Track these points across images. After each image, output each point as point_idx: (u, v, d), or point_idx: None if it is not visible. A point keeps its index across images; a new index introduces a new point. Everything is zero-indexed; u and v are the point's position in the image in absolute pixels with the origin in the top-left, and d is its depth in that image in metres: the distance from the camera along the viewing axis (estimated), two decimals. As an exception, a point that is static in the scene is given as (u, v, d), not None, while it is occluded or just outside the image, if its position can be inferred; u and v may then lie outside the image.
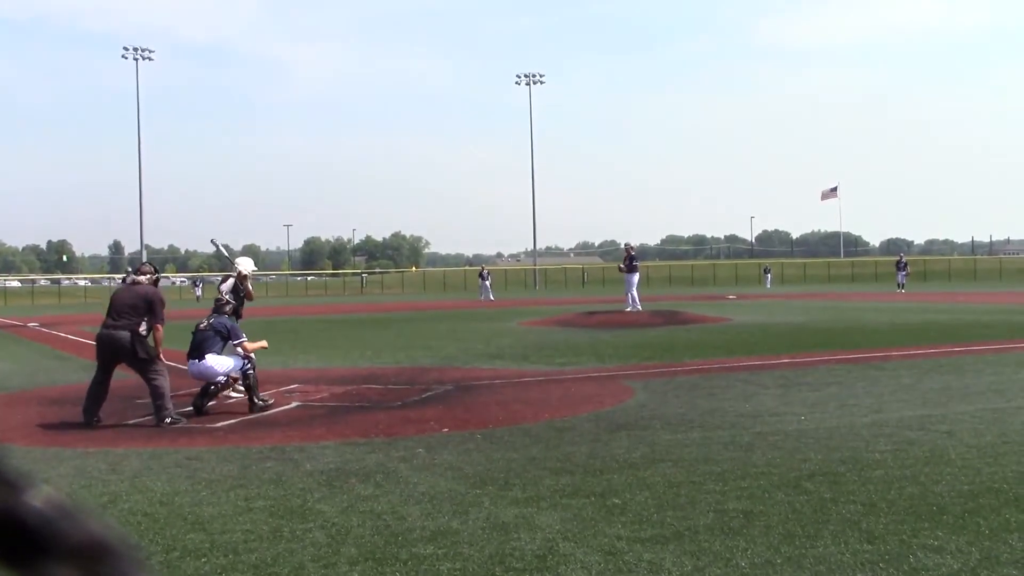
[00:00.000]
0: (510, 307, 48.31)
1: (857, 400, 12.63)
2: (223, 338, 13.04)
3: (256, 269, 15.52)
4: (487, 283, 64.56)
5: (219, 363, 12.91)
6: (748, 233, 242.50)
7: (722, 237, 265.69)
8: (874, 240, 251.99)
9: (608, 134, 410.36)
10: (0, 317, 50.67)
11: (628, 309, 33.97)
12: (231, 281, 14.61)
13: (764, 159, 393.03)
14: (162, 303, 12.48)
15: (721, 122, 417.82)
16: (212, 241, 18.54)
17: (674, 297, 55.90)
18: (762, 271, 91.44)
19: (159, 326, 12.35)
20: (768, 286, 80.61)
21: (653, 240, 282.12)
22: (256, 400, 13.01)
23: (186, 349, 13.18)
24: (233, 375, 13.01)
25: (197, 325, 13.26)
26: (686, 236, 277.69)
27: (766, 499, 7.35)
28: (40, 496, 0.85)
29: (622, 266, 35.76)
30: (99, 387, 12.27)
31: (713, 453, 9.23)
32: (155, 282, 12.87)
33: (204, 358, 12.84)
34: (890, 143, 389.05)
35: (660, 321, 31.13)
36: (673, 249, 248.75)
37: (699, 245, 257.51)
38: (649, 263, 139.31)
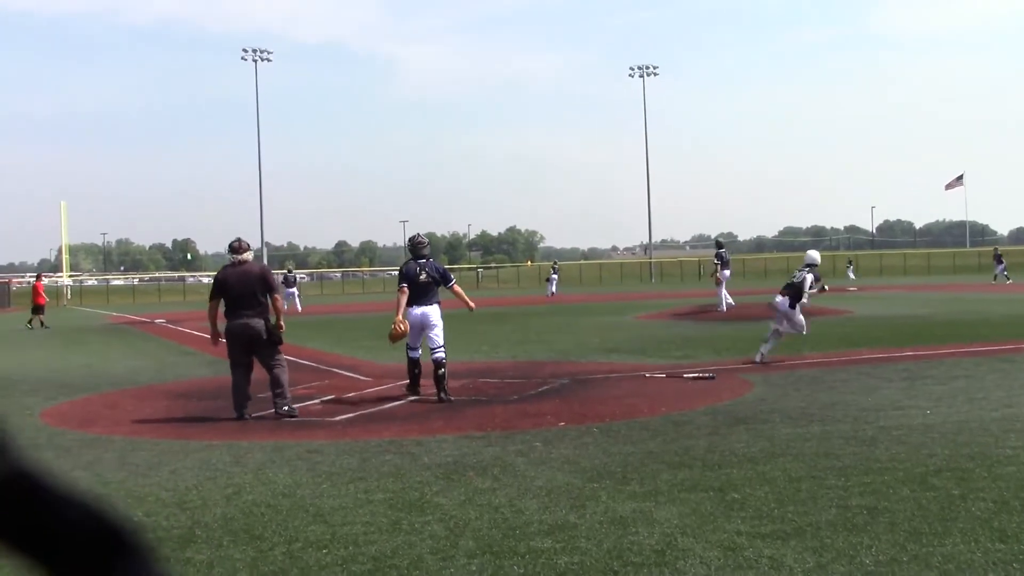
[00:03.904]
0: (626, 301, 48.12)
1: (986, 394, 12.25)
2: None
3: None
4: (555, 277, 63.97)
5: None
6: (869, 223, 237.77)
7: (842, 228, 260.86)
8: (1002, 229, 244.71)
9: (723, 125, 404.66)
10: (129, 314, 52.29)
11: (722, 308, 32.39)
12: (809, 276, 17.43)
13: (885, 148, 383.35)
14: (272, 275, 12.82)
15: (839, 111, 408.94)
16: None
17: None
18: (846, 263, 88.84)
19: (278, 297, 12.65)
20: (851, 277, 78.32)
21: (771, 232, 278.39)
22: (443, 394, 13.39)
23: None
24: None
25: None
26: (804, 227, 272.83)
27: (891, 495, 7.17)
28: (58, 488, 0.84)
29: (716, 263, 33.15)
30: (244, 379, 12.37)
31: (834, 448, 9.05)
32: None
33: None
34: (1019, 128, 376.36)
35: (778, 314, 30.53)
36: (791, 241, 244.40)
37: (818, 236, 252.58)
38: (767, 255, 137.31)
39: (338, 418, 12.12)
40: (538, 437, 10.18)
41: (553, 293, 60.67)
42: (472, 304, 14.54)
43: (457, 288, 14.36)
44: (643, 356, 18.80)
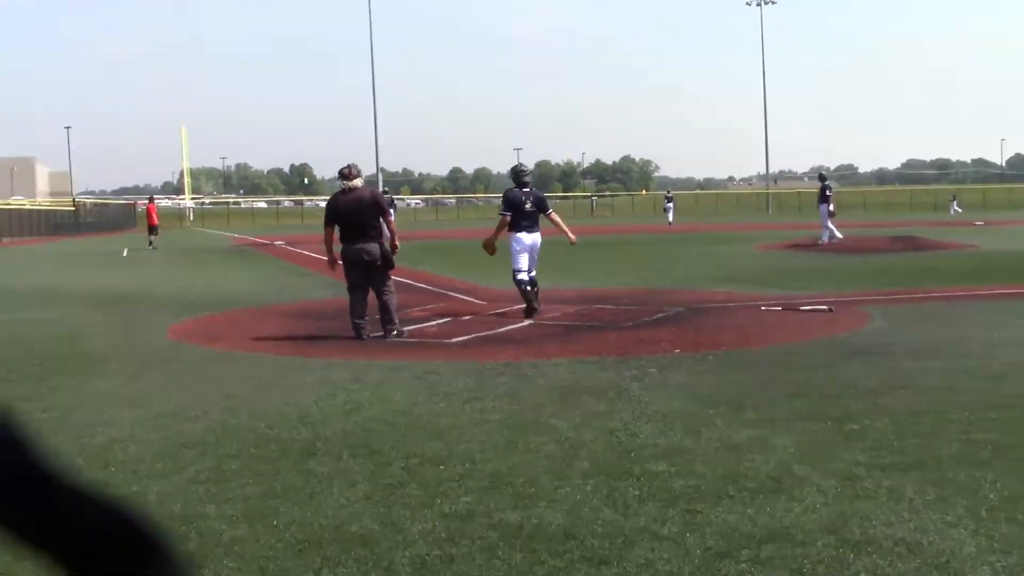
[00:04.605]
0: (742, 231, 47.52)
1: (1119, 332, 11.82)
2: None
3: None
4: (671, 206, 63.90)
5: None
6: (998, 156, 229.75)
7: (968, 161, 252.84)
8: None
9: (844, 54, 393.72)
10: (249, 236, 53.40)
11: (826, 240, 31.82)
12: None
13: (1016, 77, 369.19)
14: (383, 198, 13.22)
15: (968, 37, 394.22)
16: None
17: (916, 223, 53.59)
18: (949, 198, 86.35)
19: (391, 219, 12.90)
20: (954, 212, 76.20)
21: (893, 164, 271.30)
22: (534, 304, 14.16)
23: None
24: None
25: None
26: (928, 160, 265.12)
27: (1018, 431, 6.98)
28: (79, 487, 0.80)
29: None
30: (362, 301, 12.50)
31: (957, 382, 8.83)
32: None
33: None
34: None
35: (900, 247, 29.97)
36: (914, 173, 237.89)
37: (943, 169, 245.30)
38: (889, 188, 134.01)
39: (454, 340, 12.25)
40: (653, 363, 10.15)
41: (671, 222, 60.49)
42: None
43: (555, 216, 14.90)
44: (760, 286, 18.57)
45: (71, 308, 16.80)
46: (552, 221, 14.70)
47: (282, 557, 4.80)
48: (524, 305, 14.21)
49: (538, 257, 14.48)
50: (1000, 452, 6.41)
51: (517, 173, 14.52)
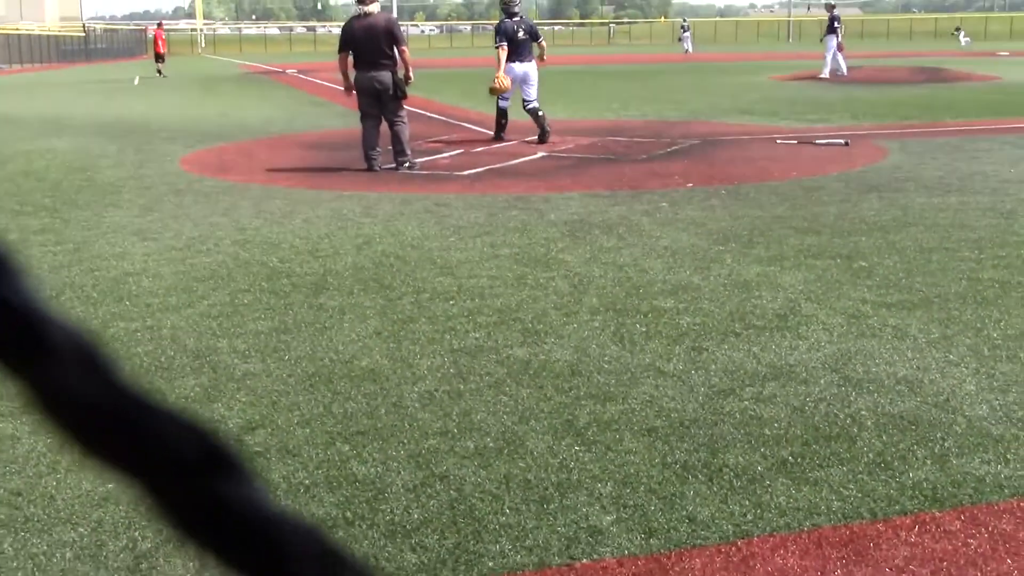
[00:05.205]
0: (761, 61, 46.71)
1: None
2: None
3: None
4: (687, 34, 62.49)
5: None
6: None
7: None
8: None
9: None
10: (261, 63, 52.77)
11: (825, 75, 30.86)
12: None
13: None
14: (398, 27, 12.79)
15: None
16: None
17: (939, 52, 52.53)
18: (954, 30, 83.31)
19: (405, 49, 12.55)
20: (963, 43, 73.56)
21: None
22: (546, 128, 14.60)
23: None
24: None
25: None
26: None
27: (1026, 269, 7.00)
28: (153, 403, 0.78)
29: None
30: (374, 130, 12.40)
31: (970, 219, 8.81)
32: None
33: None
34: None
35: (922, 78, 29.50)
36: (940, 2, 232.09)
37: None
38: (913, 16, 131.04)
39: (466, 172, 12.21)
40: (665, 197, 10.13)
41: (688, 51, 59.43)
42: (545, 58, 15.33)
43: (543, 43, 15.27)
44: (776, 118, 18.34)
45: (82, 138, 16.74)
46: (539, 47, 15.11)
47: (293, 391, 4.90)
48: (536, 135, 14.47)
49: (536, 84, 14.67)
50: (1007, 290, 6.45)
51: (506, 4, 14.63)
